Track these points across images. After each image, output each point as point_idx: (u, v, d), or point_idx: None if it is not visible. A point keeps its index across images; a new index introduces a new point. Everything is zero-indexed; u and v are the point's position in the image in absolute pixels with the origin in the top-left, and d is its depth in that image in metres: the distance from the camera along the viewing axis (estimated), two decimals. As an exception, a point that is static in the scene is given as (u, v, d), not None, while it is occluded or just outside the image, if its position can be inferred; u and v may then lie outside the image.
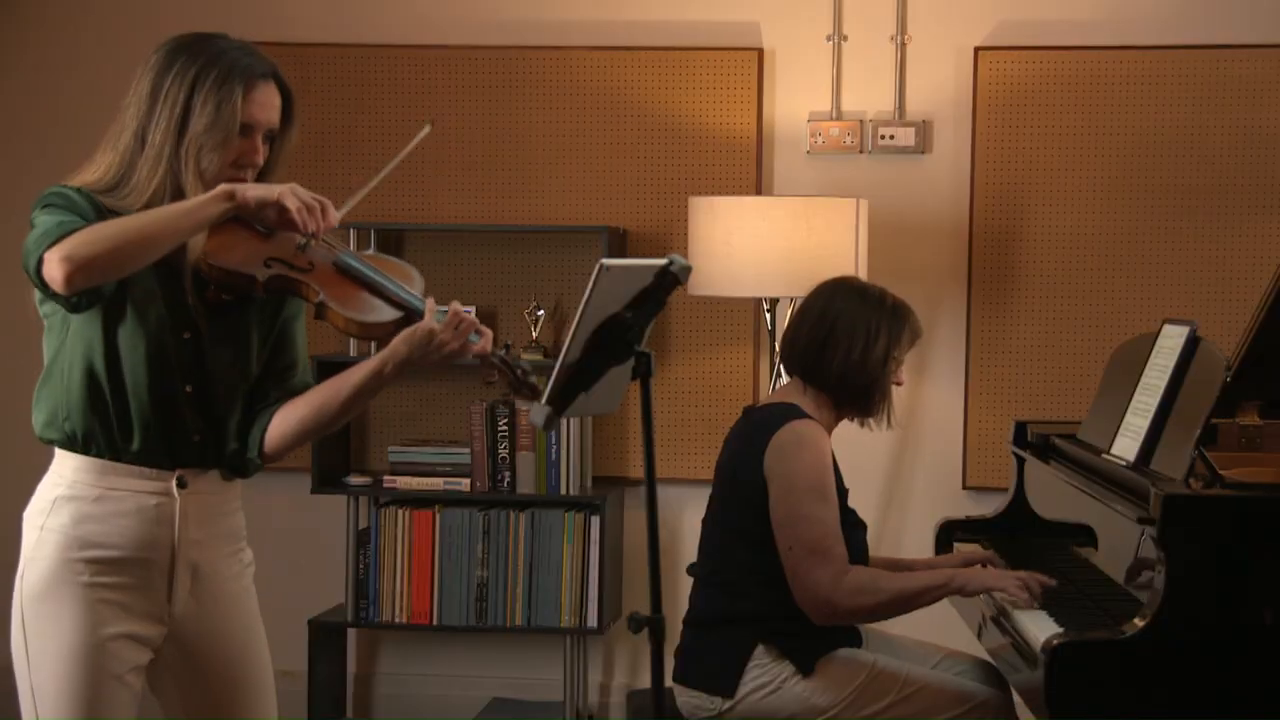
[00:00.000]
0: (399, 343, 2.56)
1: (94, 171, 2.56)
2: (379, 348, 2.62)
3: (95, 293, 2.47)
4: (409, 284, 2.67)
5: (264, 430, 2.67)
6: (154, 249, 2.41)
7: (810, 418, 3.34)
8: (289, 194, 2.49)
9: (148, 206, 2.51)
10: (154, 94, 2.53)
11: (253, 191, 2.47)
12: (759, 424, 3.37)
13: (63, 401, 2.55)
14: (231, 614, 2.68)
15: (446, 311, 2.57)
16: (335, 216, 2.55)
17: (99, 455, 2.55)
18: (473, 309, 2.78)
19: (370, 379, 2.59)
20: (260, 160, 2.59)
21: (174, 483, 2.57)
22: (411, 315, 2.61)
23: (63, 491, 2.55)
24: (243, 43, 2.61)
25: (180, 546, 2.58)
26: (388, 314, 2.62)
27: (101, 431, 2.54)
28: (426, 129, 2.77)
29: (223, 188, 2.46)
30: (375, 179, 2.73)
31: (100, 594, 2.53)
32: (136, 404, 2.54)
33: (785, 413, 3.35)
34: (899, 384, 3.44)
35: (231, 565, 2.69)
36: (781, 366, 3.56)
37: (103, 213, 2.48)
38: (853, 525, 3.39)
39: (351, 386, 2.61)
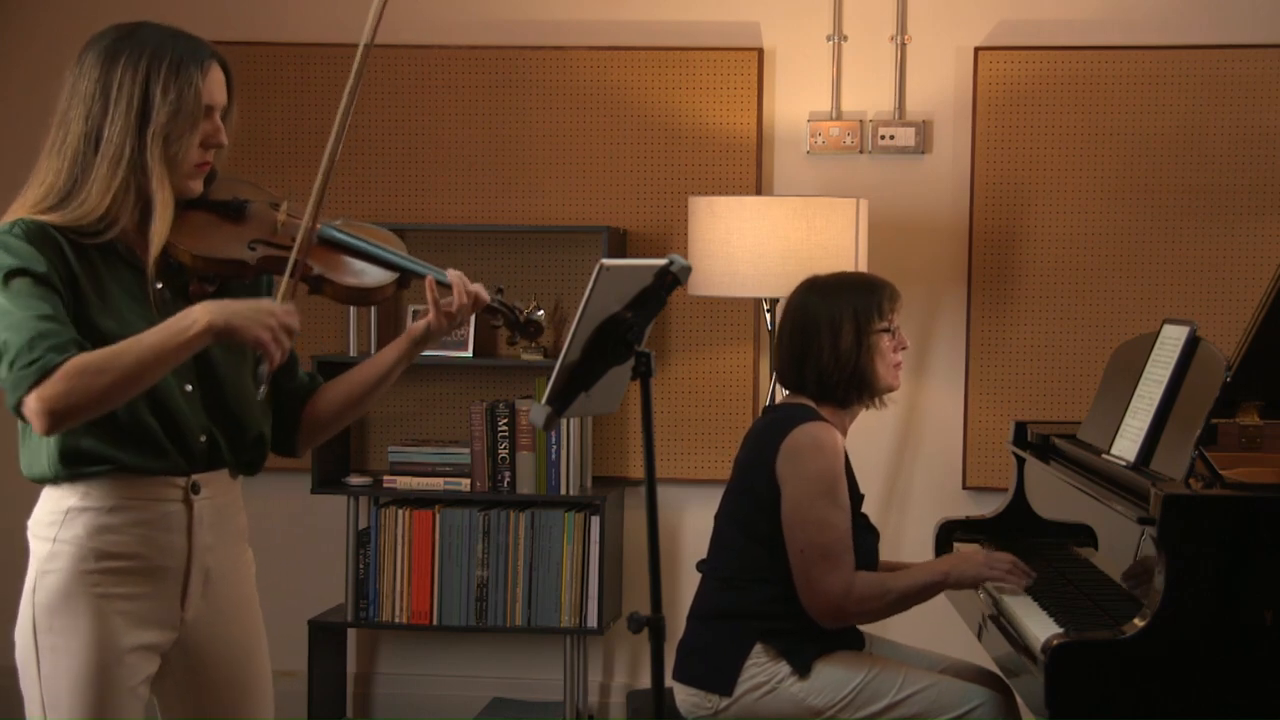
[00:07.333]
0: (417, 325, 2.63)
1: (40, 185, 2.49)
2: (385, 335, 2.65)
3: None
4: (392, 246, 2.69)
5: (300, 412, 2.73)
6: (142, 386, 2.37)
7: (823, 419, 3.35)
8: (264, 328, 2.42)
9: (110, 207, 2.46)
10: (104, 92, 2.47)
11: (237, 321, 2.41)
12: (773, 424, 3.38)
13: (57, 444, 2.47)
14: (237, 617, 2.66)
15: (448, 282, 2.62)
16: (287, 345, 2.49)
17: (108, 471, 2.49)
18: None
19: (407, 349, 2.67)
20: (225, 140, 2.56)
21: (188, 488, 2.54)
22: (405, 275, 2.65)
23: (74, 502, 2.48)
24: (174, 28, 2.56)
25: (195, 553, 2.56)
26: (383, 276, 2.64)
27: (104, 457, 2.47)
28: None
29: (209, 324, 2.38)
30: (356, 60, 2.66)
31: (116, 605, 2.49)
32: (134, 416, 2.47)
33: (798, 414, 3.35)
34: (904, 347, 3.43)
35: (239, 567, 2.67)
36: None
37: (56, 246, 2.42)
38: (864, 530, 3.39)
39: (395, 356, 2.68)
